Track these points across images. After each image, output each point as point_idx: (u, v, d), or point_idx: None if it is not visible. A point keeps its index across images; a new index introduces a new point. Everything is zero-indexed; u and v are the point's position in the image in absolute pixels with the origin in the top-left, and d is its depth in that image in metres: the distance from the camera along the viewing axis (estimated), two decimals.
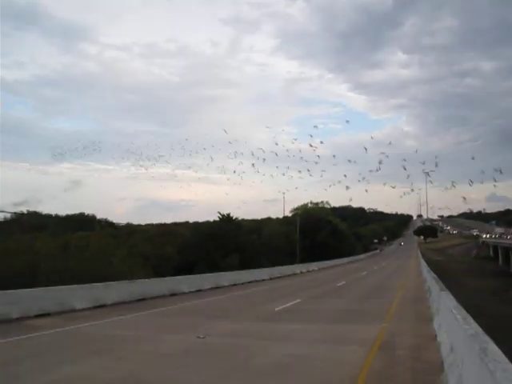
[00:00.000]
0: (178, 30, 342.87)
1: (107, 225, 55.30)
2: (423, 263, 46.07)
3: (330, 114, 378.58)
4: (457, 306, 8.84)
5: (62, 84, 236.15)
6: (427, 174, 42.90)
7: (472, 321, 6.57)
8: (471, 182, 48.51)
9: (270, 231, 61.81)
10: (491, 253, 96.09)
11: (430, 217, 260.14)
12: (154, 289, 20.38)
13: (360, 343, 9.43)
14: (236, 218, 54.54)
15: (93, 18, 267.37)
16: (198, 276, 26.92)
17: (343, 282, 29.81)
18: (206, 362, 7.87)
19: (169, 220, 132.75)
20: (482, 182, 43.21)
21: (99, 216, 68.38)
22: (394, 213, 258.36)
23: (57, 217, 58.67)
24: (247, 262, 41.76)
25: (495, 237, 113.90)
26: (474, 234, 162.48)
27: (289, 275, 39.61)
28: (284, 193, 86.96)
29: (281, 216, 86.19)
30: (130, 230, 54.13)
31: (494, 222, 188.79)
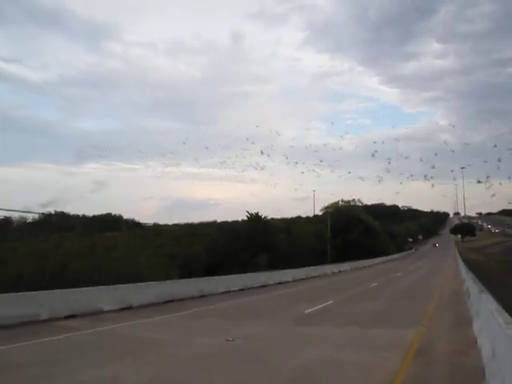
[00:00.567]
0: (202, 25, 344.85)
1: (134, 225, 56.31)
2: (461, 263, 45.13)
3: (361, 108, 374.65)
4: (498, 308, 8.59)
5: (87, 83, 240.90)
6: (463, 169, 42.02)
7: None
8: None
9: (299, 230, 61.65)
10: None
11: (468, 214, 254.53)
12: (182, 290, 20.54)
13: (394, 348, 9.26)
14: (264, 217, 54.65)
15: (117, 16, 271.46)
16: (226, 277, 27.03)
17: (377, 283, 29.44)
18: (234, 366, 7.87)
19: (196, 219, 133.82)
20: None
21: (126, 216, 69.62)
22: (429, 210, 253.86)
23: (84, 217, 60.01)
24: (276, 262, 41.80)
25: None
26: None
27: (319, 276, 39.39)
28: (314, 190, 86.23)
29: (311, 215, 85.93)
30: (157, 230, 54.91)
31: None
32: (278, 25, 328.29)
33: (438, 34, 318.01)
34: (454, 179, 67.95)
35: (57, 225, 50.92)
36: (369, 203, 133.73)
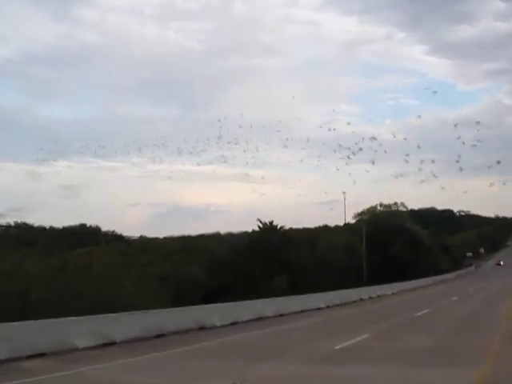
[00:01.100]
0: None
1: (115, 238, 56.60)
2: None
3: (403, 85, 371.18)
4: None
5: (55, 61, 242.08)
6: None
7: None
8: None
9: (326, 243, 61.48)
10: None
11: None
12: (177, 321, 20.53)
13: None
14: (281, 227, 54.65)
15: None
16: (233, 304, 27.01)
17: (426, 311, 29.25)
18: None
19: (194, 231, 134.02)
20: None
21: (105, 227, 69.85)
22: (493, 216, 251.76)
23: (52, 229, 60.37)
24: (297, 285, 41.70)
25: None
26: None
27: (353, 301, 39.22)
28: (344, 192, 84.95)
29: (341, 223, 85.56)
30: (145, 244, 55.14)
31: None
32: None
33: None
34: None
35: (18, 239, 51.34)
36: (415, 207, 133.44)
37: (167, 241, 63.24)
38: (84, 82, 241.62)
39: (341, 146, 47.42)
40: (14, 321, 15.10)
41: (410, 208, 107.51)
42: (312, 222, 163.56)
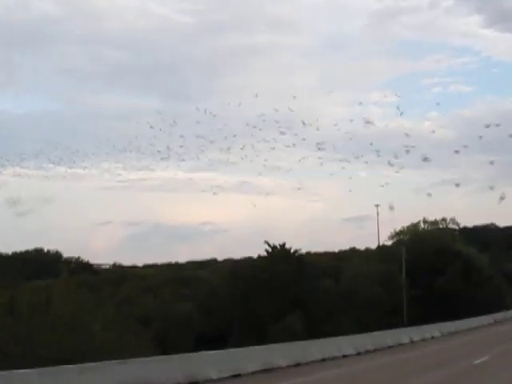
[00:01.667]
0: None
1: (81, 268, 56.60)
2: None
3: (452, 67, 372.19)
4: None
5: (3, 40, 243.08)
6: None
7: None
8: None
9: (354, 272, 61.49)
10: None
11: None
12: (162, 373, 20.45)
13: None
14: (296, 251, 54.61)
15: None
16: (233, 351, 27.02)
17: (485, 358, 29.16)
18: None
19: (184, 257, 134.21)
20: None
21: (67, 253, 69.73)
22: None
23: None
24: (316, 325, 41.66)
25: None
26: None
27: (391, 346, 39.15)
28: (378, 205, 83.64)
29: (373, 245, 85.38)
30: (120, 275, 55.15)
31: None
32: None
33: None
34: None
35: None
36: (469, 224, 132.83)
37: (149, 270, 63.40)
38: (40, 66, 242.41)
39: (372, 145, 46.95)
40: None
41: (462, 225, 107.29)
42: (336, 244, 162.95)
